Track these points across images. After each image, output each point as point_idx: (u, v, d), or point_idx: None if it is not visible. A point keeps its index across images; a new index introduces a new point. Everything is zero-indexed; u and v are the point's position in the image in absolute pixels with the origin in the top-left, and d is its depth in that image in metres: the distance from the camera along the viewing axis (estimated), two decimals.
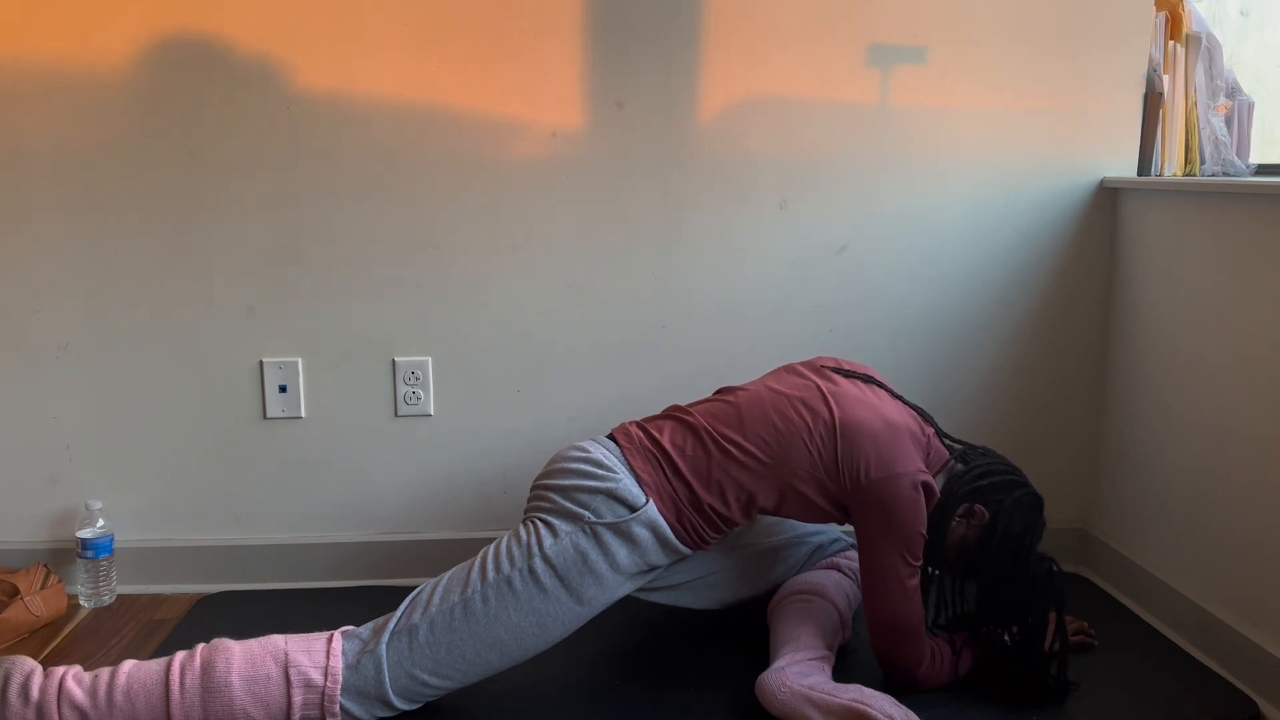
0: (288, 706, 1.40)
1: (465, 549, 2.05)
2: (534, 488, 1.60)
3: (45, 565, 1.93)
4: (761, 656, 1.67)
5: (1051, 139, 2.02)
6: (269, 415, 2.01)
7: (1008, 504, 1.58)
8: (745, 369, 2.04)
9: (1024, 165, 2.02)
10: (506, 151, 1.95)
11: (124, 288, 1.95)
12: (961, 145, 2.01)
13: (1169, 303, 1.88)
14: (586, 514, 1.51)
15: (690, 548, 1.57)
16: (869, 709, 1.42)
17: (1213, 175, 2.07)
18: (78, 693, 1.37)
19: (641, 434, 1.61)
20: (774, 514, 1.60)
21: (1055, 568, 1.58)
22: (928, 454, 1.63)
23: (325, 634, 1.47)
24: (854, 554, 1.85)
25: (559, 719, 1.54)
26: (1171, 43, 2.03)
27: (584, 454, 1.58)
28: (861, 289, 2.04)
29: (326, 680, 1.41)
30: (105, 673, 1.40)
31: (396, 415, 2.03)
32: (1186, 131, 2.07)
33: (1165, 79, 2.03)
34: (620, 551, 1.51)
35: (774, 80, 1.96)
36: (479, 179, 1.96)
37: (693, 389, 2.04)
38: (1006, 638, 1.59)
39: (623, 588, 1.55)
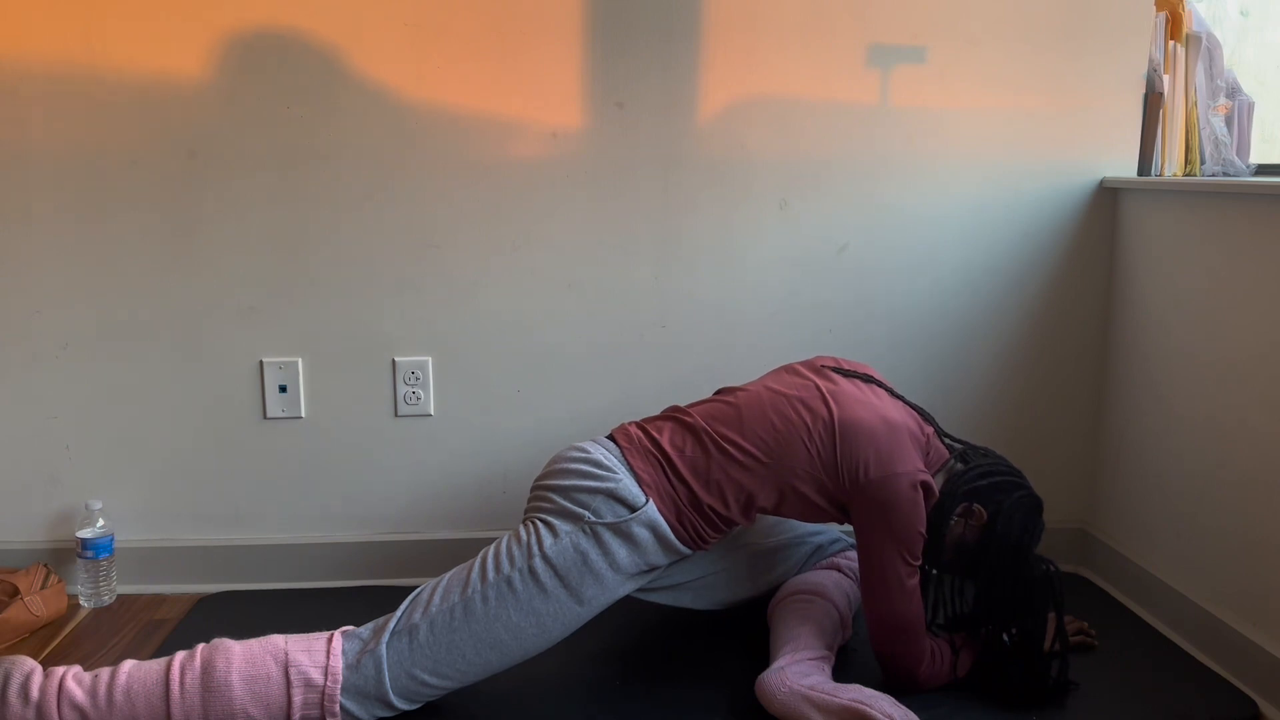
0: (288, 706, 1.40)
1: (465, 549, 2.05)
2: (534, 488, 1.60)
3: (45, 565, 1.93)
4: (761, 656, 1.67)
5: (1051, 139, 2.02)
6: (269, 415, 2.01)
7: (1007, 505, 1.58)
8: (745, 369, 2.04)
9: (1024, 165, 2.02)
10: (506, 151, 1.95)
11: (124, 288, 1.95)
12: (961, 145, 2.01)
13: (1169, 302, 1.88)
14: (586, 514, 1.51)
15: (690, 548, 1.57)
16: (869, 709, 1.42)
17: (1213, 175, 2.07)
18: (78, 693, 1.37)
19: (641, 434, 1.61)
20: (774, 514, 1.60)
21: (1053, 569, 1.58)
22: (927, 453, 1.63)
23: (325, 634, 1.47)
24: (854, 554, 1.85)
25: (559, 719, 1.54)
26: (1171, 43, 2.03)
27: (584, 454, 1.58)
28: (861, 289, 2.04)
29: (326, 680, 1.41)
30: (105, 673, 1.40)
31: (396, 415, 2.03)
32: (1186, 131, 2.07)
33: (1165, 79, 2.03)
34: (620, 551, 1.52)
35: (774, 80, 1.96)
36: (479, 179, 1.96)
37: (693, 389, 2.04)
38: (1006, 638, 1.59)
39: (623, 588, 1.55)
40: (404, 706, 1.47)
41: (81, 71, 1.87)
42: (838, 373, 1.65)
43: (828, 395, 1.59)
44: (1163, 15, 2.02)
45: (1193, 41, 2.05)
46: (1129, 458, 2.01)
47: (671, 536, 1.54)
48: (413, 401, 2.02)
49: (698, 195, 1.99)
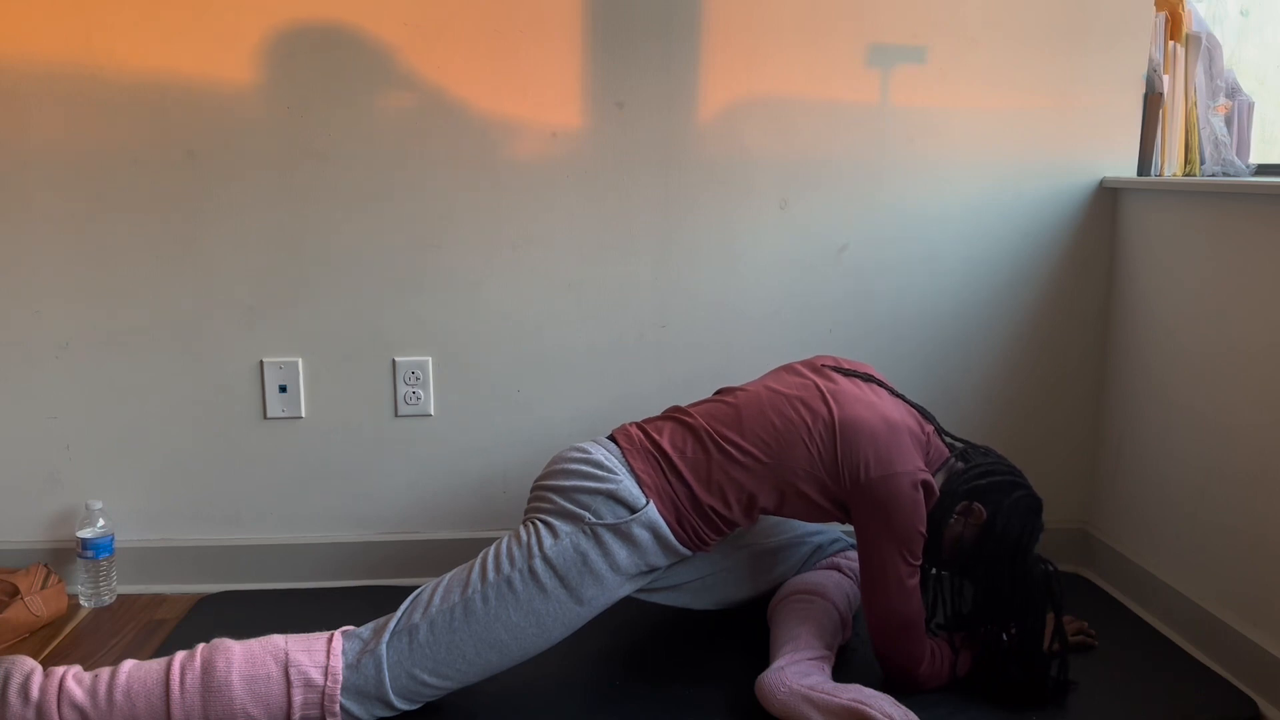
0: (288, 706, 1.40)
1: (465, 549, 2.05)
2: (534, 488, 1.60)
3: (45, 565, 1.93)
4: (761, 656, 1.67)
5: (1051, 139, 2.02)
6: (269, 415, 2.01)
7: (1006, 504, 1.58)
8: (745, 369, 2.04)
9: (1024, 165, 2.02)
10: (506, 151, 1.95)
11: (124, 288, 1.95)
12: (961, 145, 2.01)
13: (1169, 302, 1.88)
14: (587, 515, 1.51)
15: (690, 549, 1.57)
16: (868, 709, 1.42)
17: (1213, 175, 2.07)
18: (78, 692, 1.37)
19: (641, 435, 1.61)
20: (775, 514, 1.60)
21: (1052, 568, 1.58)
22: (927, 452, 1.63)
23: (325, 634, 1.47)
24: (854, 554, 1.85)
25: (559, 719, 1.54)
26: (1171, 43, 2.03)
27: (584, 455, 1.58)
28: (861, 289, 2.04)
29: (327, 680, 1.41)
30: (105, 672, 1.40)
31: (396, 415, 2.03)
32: (1186, 131, 2.07)
33: (1165, 79, 2.03)
34: (620, 552, 1.52)
35: (774, 80, 1.96)
36: (479, 179, 1.96)
37: (693, 389, 2.04)
38: (1005, 638, 1.59)
39: (622, 588, 1.55)
40: (404, 706, 1.47)
41: (81, 71, 1.87)
42: (838, 372, 1.65)
43: (828, 394, 1.59)
44: (1162, 15, 2.02)
45: (1192, 41, 2.05)
46: (1129, 458, 2.01)
47: (671, 538, 1.54)
48: (413, 401, 2.02)
49: (697, 195, 1.99)
